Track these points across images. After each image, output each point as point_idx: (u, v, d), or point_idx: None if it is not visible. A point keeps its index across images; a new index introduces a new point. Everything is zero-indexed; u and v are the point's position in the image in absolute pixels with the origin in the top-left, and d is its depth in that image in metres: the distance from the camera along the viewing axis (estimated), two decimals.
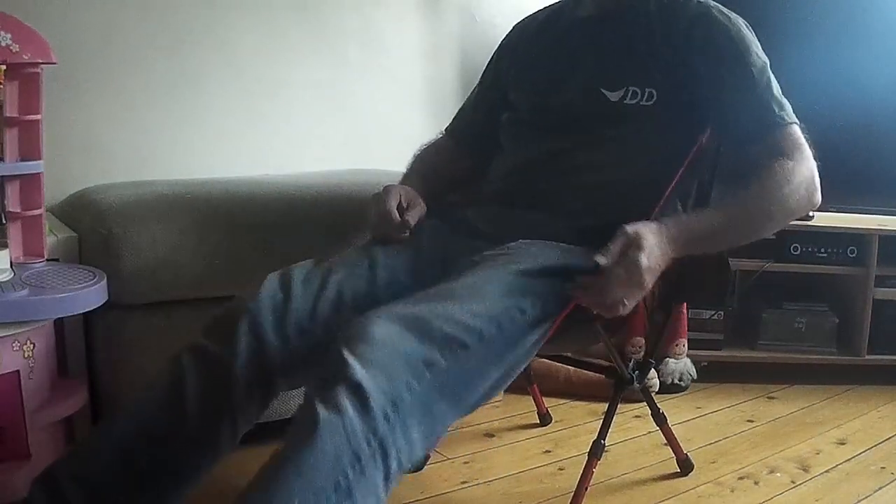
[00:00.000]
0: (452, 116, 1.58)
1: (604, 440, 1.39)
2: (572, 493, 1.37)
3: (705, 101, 1.29)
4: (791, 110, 1.27)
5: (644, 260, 1.08)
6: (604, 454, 1.39)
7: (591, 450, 1.38)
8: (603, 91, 1.32)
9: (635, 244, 1.09)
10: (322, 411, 0.88)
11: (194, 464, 1.10)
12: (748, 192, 1.20)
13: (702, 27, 1.29)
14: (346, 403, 0.88)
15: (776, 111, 1.25)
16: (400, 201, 1.30)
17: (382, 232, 1.29)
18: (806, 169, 1.22)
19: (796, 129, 1.25)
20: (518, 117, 1.44)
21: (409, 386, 0.93)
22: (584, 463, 1.39)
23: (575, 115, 1.35)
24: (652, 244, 1.10)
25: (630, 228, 1.11)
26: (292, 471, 0.87)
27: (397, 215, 1.28)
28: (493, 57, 1.57)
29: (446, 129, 1.58)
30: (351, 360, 0.91)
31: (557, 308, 1.12)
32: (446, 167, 1.51)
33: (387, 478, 0.91)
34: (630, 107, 1.29)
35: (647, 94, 1.29)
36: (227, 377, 1.08)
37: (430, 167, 1.49)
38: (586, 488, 1.37)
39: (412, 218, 1.29)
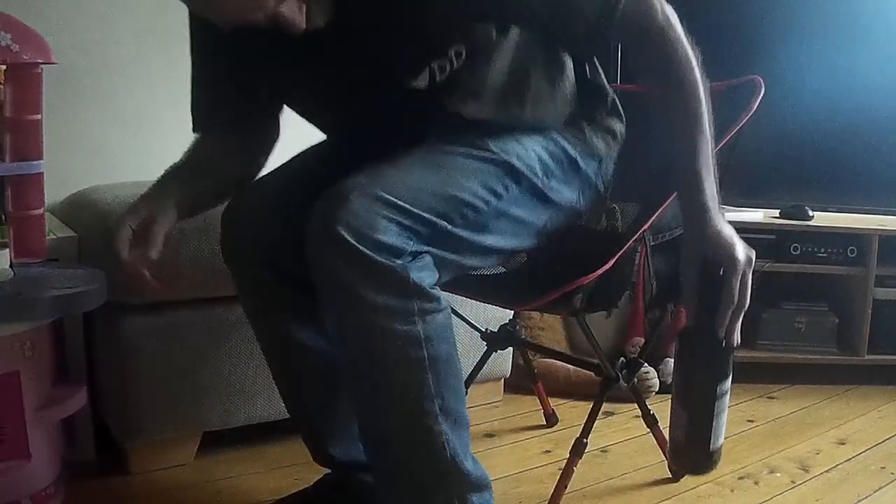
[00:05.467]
0: None
1: (586, 439, 1.37)
2: (572, 494, 1.37)
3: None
4: None
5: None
6: (604, 454, 1.39)
7: (572, 448, 1.37)
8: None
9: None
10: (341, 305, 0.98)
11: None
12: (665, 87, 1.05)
13: None
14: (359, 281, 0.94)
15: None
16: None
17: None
18: (659, 16, 1.03)
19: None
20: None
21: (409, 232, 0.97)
22: (581, 463, 1.38)
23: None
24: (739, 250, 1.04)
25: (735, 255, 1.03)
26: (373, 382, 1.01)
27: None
28: None
29: None
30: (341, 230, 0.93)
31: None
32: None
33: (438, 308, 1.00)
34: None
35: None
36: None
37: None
38: (565, 487, 1.36)
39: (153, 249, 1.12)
